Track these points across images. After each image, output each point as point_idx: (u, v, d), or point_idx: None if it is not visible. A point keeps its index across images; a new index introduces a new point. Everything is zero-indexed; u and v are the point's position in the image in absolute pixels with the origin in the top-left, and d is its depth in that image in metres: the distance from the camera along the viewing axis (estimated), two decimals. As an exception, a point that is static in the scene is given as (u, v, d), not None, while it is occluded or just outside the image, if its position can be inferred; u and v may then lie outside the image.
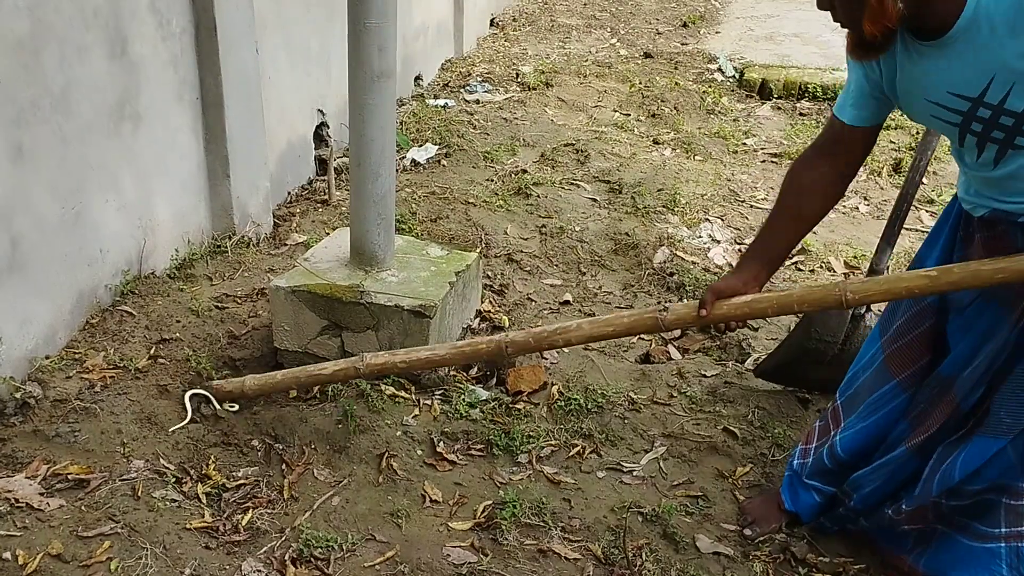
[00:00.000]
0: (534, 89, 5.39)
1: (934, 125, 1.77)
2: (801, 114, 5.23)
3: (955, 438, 1.92)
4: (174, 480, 2.28)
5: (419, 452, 2.49)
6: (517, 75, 5.59)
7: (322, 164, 4.15)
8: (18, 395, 2.43)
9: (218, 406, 2.55)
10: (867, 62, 1.77)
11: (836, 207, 3.95)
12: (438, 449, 2.49)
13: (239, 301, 3.10)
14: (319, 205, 3.91)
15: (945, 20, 1.59)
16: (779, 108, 5.27)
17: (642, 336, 3.10)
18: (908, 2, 1.56)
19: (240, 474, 2.34)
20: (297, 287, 2.72)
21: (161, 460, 2.34)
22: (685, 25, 6.88)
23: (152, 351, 2.76)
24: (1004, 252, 1.78)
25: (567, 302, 3.30)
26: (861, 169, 2.09)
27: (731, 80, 5.71)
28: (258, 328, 2.94)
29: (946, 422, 1.93)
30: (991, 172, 1.73)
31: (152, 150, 3.03)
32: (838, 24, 1.67)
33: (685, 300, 3.29)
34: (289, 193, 3.96)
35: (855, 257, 3.65)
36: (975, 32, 1.57)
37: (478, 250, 3.38)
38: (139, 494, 2.21)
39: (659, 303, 3.31)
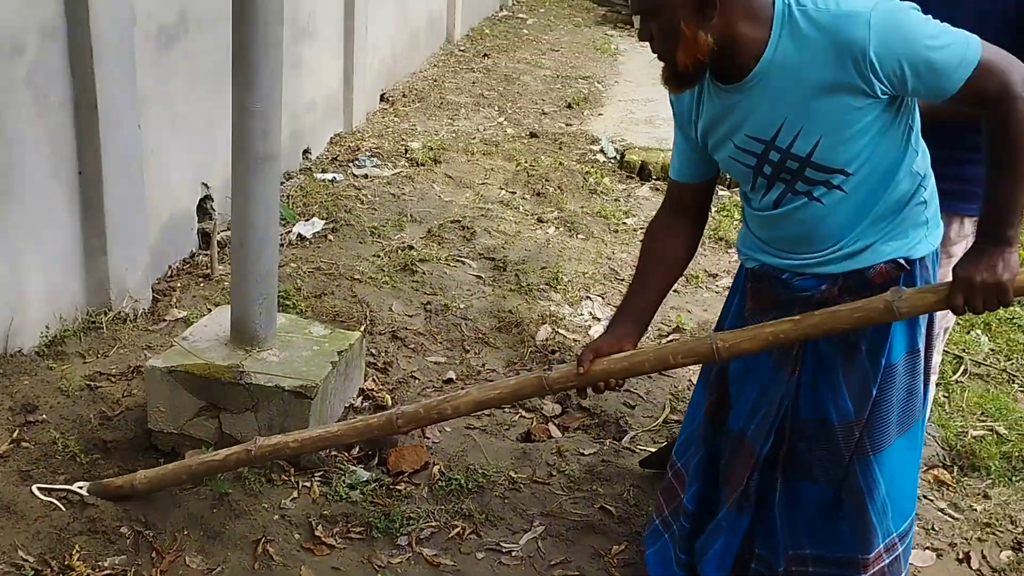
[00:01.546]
0: (422, 165, 5.47)
1: (734, 167, 1.93)
2: (678, 195, 5.47)
3: (772, 491, 2.10)
4: (32, 573, 2.18)
5: (297, 536, 2.45)
6: (406, 150, 5.68)
7: (205, 237, 4.11)
8: None
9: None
10: (681, 116, 1.96)
11: (711, 287, 4.12)
12: (316, 533, 2.46)
13: (113, 380, 3.02)
14: (201, 279, 3.86)
15: (745, 64, 1.76)
16: (657, 189, 5.49)
17: (523, 414, 3.16)
18: (717, 38, 1.72)
19: (106, 564, 2.26)
20: (174, 367, 2.68)
21: (19, 552, 2.24)
22: (570, 106, 7.13)
23: (15, 434, 2.65)
24: (767, 302, 2.01)
25: (450, 380, 3.34)
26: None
27: (612, 161, 5.93)
28: (132, 409, 2.86)
29: (751, 474, 2.09)
30: (773, 212, 1.92)
31: (24, 226, 2.95)
32: (656, 56, 1.82)
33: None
34: (170, 267, 3.89)
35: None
36: (772, 76, 1.75)
37: (362, 328, 3.40)
38: (-4, 589, 2.11)
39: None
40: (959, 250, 2.45)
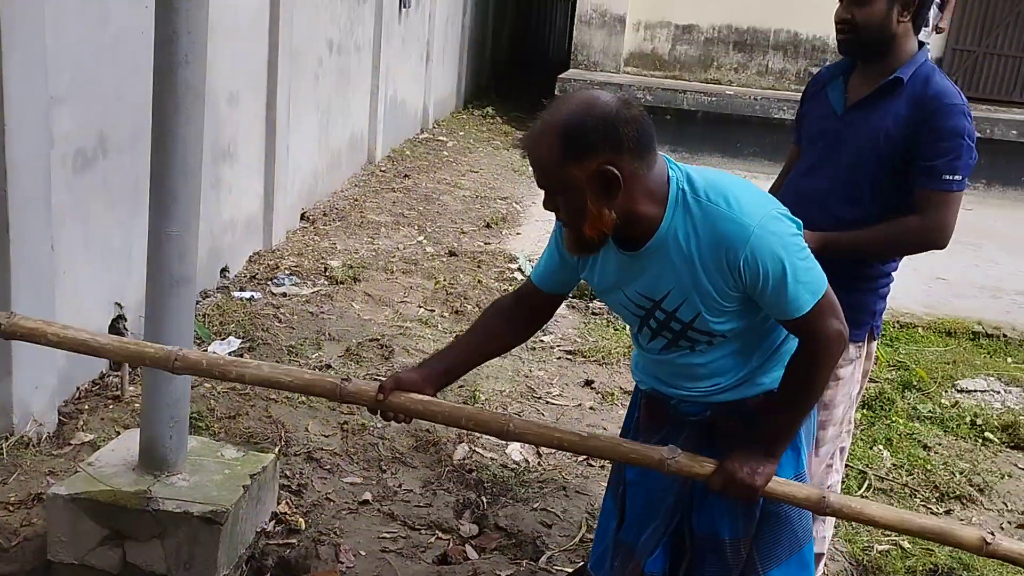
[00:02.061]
0: (342, 283, 5.51)
1: (622, 312, 2.09)
2: (594, 313, 5.59)
3: None
4: None
5: (202, 671, 2.36)
6: (325, 269, 5.71)
7: (116, 358, 4.03)
8: None
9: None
10: (559, 232, 2.07)
11: (626, 404, 4.19)
12: (223, 667, 2.38)
13: (11, 509, 2.91)
14: (110, 401, 3.77)
15: (642, 235, 1.91)
16: (573, 307, 5.62)
17: (439, 535, 3.14)
18: (619, 214, 1.84)
19: None
20: (77, 494, 2.60)
21: None
22: (488, 225, 7.29)
23: (-96, 569, 2.52)
24: (659, 420, 2.16)
25: (366, 501, 3.30)
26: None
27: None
28: (31, 539, 2.75)
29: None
30: (658, 356, 2.07)
31: (-74, 348, 2.88)
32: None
33: (482, 498, 3.37)
34: (79, 388, 3.80)
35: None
36: (664, 251, 1.90)
37: (276, 449, 3.35)
38: None
39: (457, 501, 3.37)
40: (845, 373, 2.59)
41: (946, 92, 2.44)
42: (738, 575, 2.09)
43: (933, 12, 9.39)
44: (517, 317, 2.21)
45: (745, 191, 1.88)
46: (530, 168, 1.89)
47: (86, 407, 3.68)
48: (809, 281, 1.87)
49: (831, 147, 2.58)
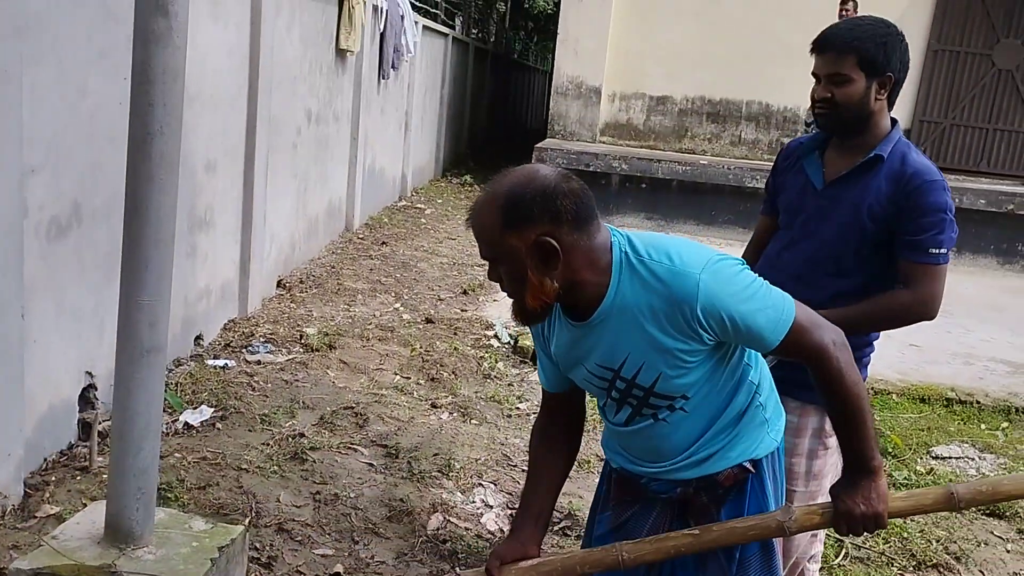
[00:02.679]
0: (317, 351, 5.48)
1: (588, 387, 2.08)
2: (570, 379, 5.60)
3: None
4: None
5: None
6: (301, 336, 5.69)
7: (86, 428, 3.97)
8: None
9: None
10: (539, 338, 2.09)
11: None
12: None
13: (-28, 584, 2.83)
14: (78, 472, 3.71)
15: (589, 305, 1.92)
16: (550, 373, 5.62)
17: (412, 609, 3.08)
18: (562, 284, 1.86)
19: None
20: (40, 568, 2.54)
21: None
22: (465, 292, 7.32)
23: None
24: (630, 496, 2.15)
25: (338, 574, 3.24)
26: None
27: (507, 346, 6.06)
28: (-10, 616, 2.68)
29: None
30: (625, 428, 2.07)
31: None
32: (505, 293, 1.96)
33: (456, 568, 3.32)
34: (46, 460, 3.74)
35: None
36: (614, 317, 1.90)
37: (247, 521, 3.30)
38: None
39: (431, 573, 3.31)
40: (832, 443, 2.59)
41: (926, 169, 2.51)
42: None
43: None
44: (557, 429, 2.20)
45: (684, 246, 1.91)
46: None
47: (53, 478, 3.62)
48: (772, 306, 1.87)
49: (813, 221, 2.62)
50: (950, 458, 4.78)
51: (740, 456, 2.05)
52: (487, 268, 1.95)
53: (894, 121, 2.62)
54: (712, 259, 1.88)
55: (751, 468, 2.05)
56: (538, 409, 5.06)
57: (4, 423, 3.29)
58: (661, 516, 2.10)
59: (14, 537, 3.14)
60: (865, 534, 2.04)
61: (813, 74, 2.60)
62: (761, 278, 1.93)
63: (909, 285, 2.50)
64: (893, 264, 2.54)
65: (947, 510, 2.03)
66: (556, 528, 3.69)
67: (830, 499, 2.00)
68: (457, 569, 3.33)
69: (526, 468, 4.25)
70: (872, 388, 5.58)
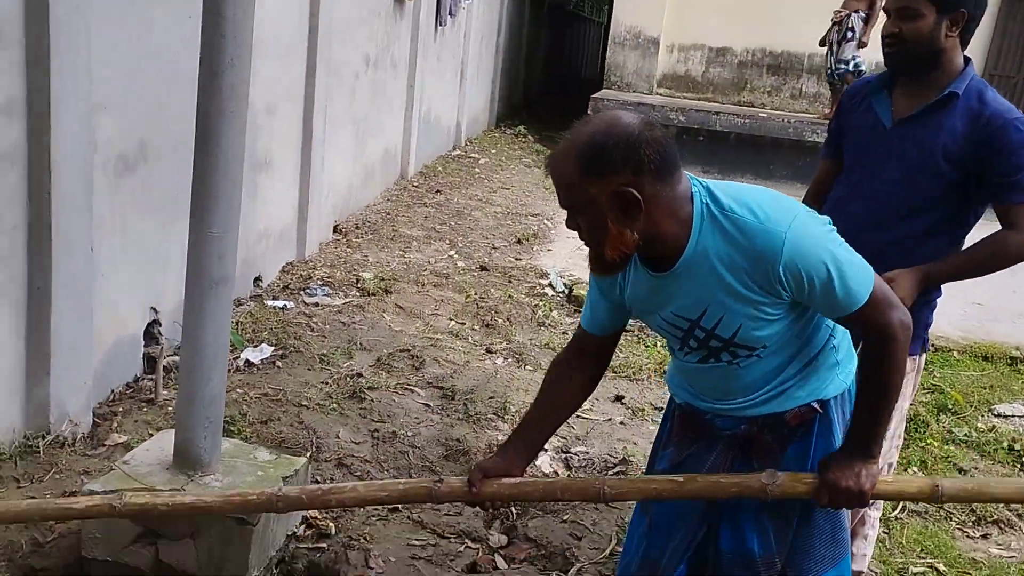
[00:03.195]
0: (373, 295, 5.53)
1: (662, 333, 2.06)
2: (625, 330, 5.58)
3: None
4: None
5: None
6: (357, 280, 5.74)
7: (151, 362, 4.07)
8: None
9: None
10: (606, 285, 2.05)
11: (656, 420, 4.17)
12: (252, 667, 2.38)
13: (47, 506, 2.93)
14: (144, 404, 3.81)
15: (669, 256, 1.88)
16: (605, 323, 5.61)
17: (469, 544, 3.13)
18: (642, 235, 1.83)
19: None
20: (112, 491, 2.61)
21: None
22: (520, 241, 7.31)
23: (-58, 561, 2.55)
24: (693, 433, 2.13)
25: (396, 509, 3.29)
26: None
27: (560, 295, 6.05)
28: (65, 535, 2.78)
29: None
30: (695, 366, 2.04)
31: (-32, 345, 2.92)
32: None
33: (512, 508, 3.36)
34: (113, 391, 3.84)
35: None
36: (695, 269, 1.87)
37: (308, 455, 3.36)
38: None
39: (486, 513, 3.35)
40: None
41: (1005, 108, 2.44)
42: None
43: (859, 27, 9.37)
44: (578, 369, 2.17)
45: (767, 198, 1.86)
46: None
47: (120, 409, 3.72)
48: (855, 275, 1.83)
49: (882, 161, 2.56)
50: (1013, 416, 4.69)
51: (809, 396, 2.02)
52: (565, 216, 1.90)
53: (967, 60, 2.53)
54: (798, 216, 1.83)
55: (819, 408, 2.03)
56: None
57: (76, 355, 3.38)
58: (723, 454, 2.09)
59: (84, 463, 3.25)
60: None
61: (884, 9, 2.53)
62: (845, 242, 1.88)
63: (1015, 227, 2.43)
64: (967, 204, 2.48)
65: (928, 502, 2.03)
66: (612, 472, 3.71)
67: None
68: (513, 509, 3.36)
69: (579, 414, 4.28)
70: (933, 345, 5.48)
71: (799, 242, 1.80)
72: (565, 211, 1.88)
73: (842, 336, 2.07)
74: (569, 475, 3.73)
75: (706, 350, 1.99)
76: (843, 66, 9.48)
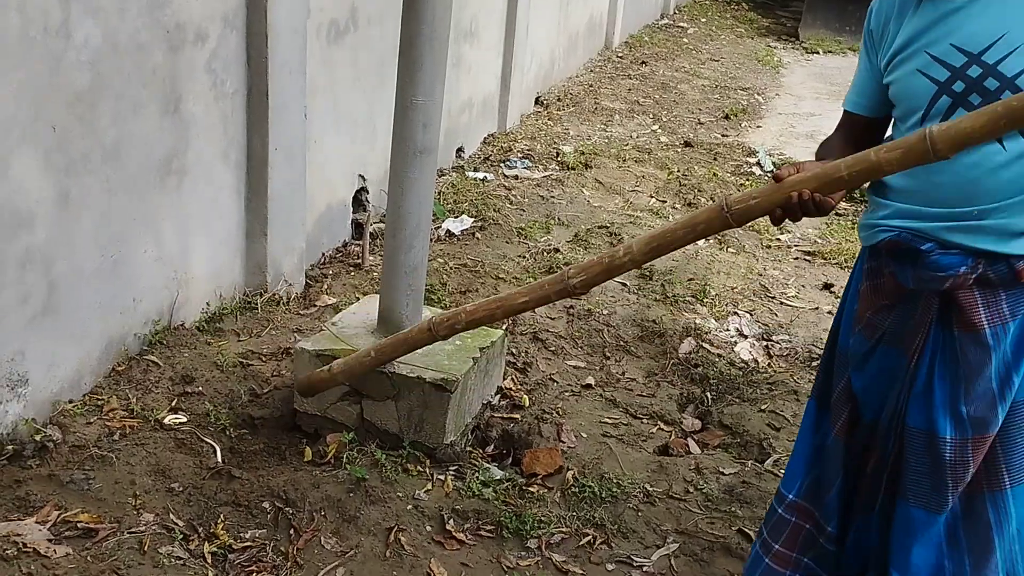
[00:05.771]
0: (573, 169, 5.45)
1: (913, 86, 1.75)
2: (837, 214, 5.23)
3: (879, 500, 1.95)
4: (181, 537, 2.28)
5: (428, 528, 2.47)
6: (557, 154, 5.67)
7: (358, 228, 4.21)
8: (38, 437, 2.45)
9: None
10: (869, 45, 1.85)
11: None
12: (448, 527, 2.47)
13: (264, 359, 3.12)
14: (352, 268, 3.96)
15: None
16: (815, 206, 5.29)
17: (662, 427, 3.09)
18: None
19: (248, 536, 2.33)
20: (322, 351, 2.74)
21: (171, 515, 2.34)
22: (727, 117, 6.96)
23: (174, 403, 2.78)
24: (887, 298, 1.86)
25: (589, 385, 3.29)
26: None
27: (768, 174, 5.74)
28: (279, 388, 2.95)
29: (877, 465, 1.94)
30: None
31: (194, 205, 3.09)
32: None
33: (707, 393, 3.28)
34: (323, 255, 4.01)
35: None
36: None
37: (504, 327, 3.39)
38: (145, 549, 2.21)
39: (681, 395, 3.29)
40: None
41: None
42: (960, 484, 1.81)
43: None
44: (845, 152, 1.82)
45: None
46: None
47: (330, 272, 3.88)
48: None
49: None
50: None
51: None
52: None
53: None
54: None
55: None
56: (800, 240, 4.81)
57: (291, 218, 3.53)
58: (920, 321, 1.82)
59: (297, 322, 3.42)
60: None
61: None
62: None
63: None
64: None
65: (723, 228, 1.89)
66: (815, 364, 3.53)
67: None
68: (708, 394, 3.28)
69: (784, 301, 4.09)
70: None
71: None
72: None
73: None
74: (769, 361, 3.59)
75: (967, 104, 1.67)
76: None
